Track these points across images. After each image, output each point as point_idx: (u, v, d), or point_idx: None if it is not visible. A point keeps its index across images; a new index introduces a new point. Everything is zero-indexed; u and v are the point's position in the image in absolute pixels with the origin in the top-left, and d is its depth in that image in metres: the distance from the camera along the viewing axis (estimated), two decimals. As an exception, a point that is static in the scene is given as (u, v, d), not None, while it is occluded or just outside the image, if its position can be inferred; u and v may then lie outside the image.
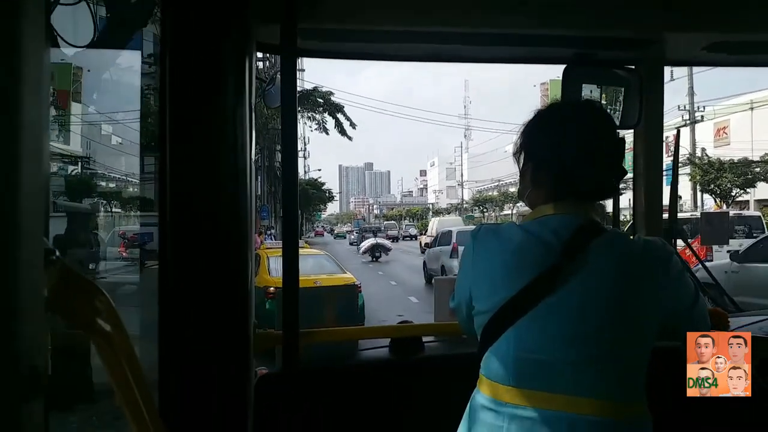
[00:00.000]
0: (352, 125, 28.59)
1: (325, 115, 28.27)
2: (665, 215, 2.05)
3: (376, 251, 24.50)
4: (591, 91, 1.91)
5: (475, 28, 1.79)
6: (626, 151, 1.39)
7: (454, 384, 1.62)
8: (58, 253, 0.63)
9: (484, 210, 59.68)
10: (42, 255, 0.53)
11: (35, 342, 0.50)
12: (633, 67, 1.98)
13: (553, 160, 1.26)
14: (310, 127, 28.57)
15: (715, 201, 26.63)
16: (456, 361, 1.93)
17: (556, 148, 1.26)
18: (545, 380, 1.16)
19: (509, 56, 2.03)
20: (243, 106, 1.54)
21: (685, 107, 29.32)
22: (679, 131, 2.16)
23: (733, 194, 25.36)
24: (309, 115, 27.56)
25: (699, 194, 28.45)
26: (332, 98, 28.53)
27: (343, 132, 28.28)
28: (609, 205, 1.86)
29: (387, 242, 23.13)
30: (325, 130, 28.79)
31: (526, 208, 1.37)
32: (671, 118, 30.18)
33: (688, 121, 29.28)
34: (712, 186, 25.45)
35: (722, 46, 1.90)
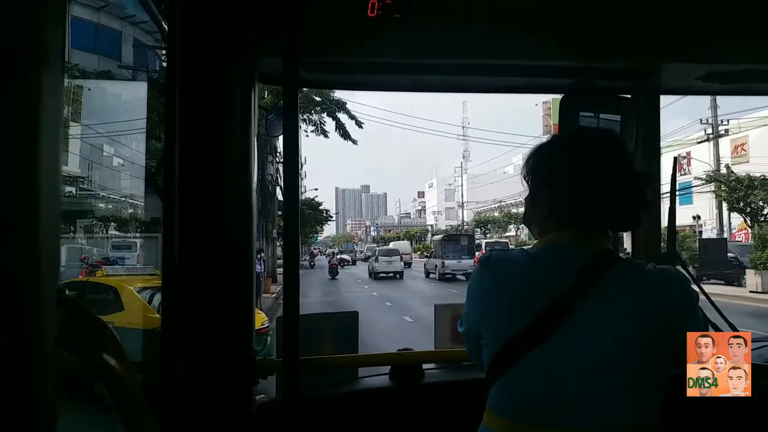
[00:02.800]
0: (358, 124, 25.17)
1: (324, 115, 24.92)
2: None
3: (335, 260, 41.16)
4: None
5: (473, 59, 1.94)
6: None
7: (455, 411, 1.74)
8: (68, 292, 0.71)
9: (486, 231, 60.13)
10: (56, 294, 0.59)
11: (50, 377, 0.58)
12: (629, 96, 2.14)
13: (576, 190, 1.29)
14: (306, 131, 24.91)
15: (745, 220, 26.35)
16: (456, 388, 2.06)
17: (580, 177, 1.28)
18: (557, 416, 1.19)
19: (508, 86, 2.19)
20: (247, 133, 1.71)
21: (707, 121, 29.06)
22: (676, 159, 2.31)
23: (765, 213, 25.00)
24: (305, 117, 24.27)
25: (725, 213, 28.20)
26: (333, 95, 24.26)
27: (345, 135, 24.73)
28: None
29: (342, 255, 42.51)
30: (324, 133, 25.32)
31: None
32: (694, 131, 29.97)
33: (711, 136, 29.08)
34: (742, 204, 24.97)
35: (717, 75, 2.07)
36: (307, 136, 25.84)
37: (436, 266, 31.33)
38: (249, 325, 1.76)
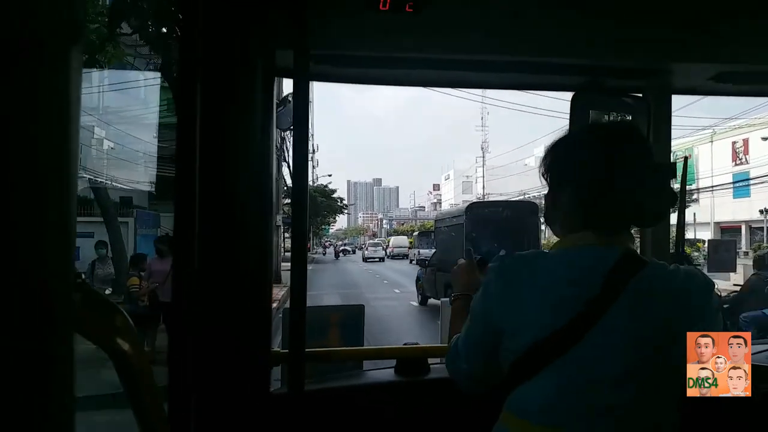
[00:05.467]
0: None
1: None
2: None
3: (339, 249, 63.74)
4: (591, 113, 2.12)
5: (485, 55, 2.00)
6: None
7: (460, 406, 1.81)
8: (83, 276, 0.79)
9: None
10: (74, 279, 0.59)
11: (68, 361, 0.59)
12: (640, 95, 2.19)
13: (595, 185, 1.27)
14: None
15: None
16: None
17: (598, 172, 1.27)
18: (585, 423, 1.20)
19: (519, 83, 2.24)
20: (267, 125, 1.78)
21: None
22: (686, 159, 2.36)
23: None
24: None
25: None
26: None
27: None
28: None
29: (345, 246, 60.15)
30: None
31: None
32: (764, 110, 27.95)
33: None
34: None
35: (729, 76, 2.12)
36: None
37: (415, 254, 43.08)
38: (267, 317, 1.84)
